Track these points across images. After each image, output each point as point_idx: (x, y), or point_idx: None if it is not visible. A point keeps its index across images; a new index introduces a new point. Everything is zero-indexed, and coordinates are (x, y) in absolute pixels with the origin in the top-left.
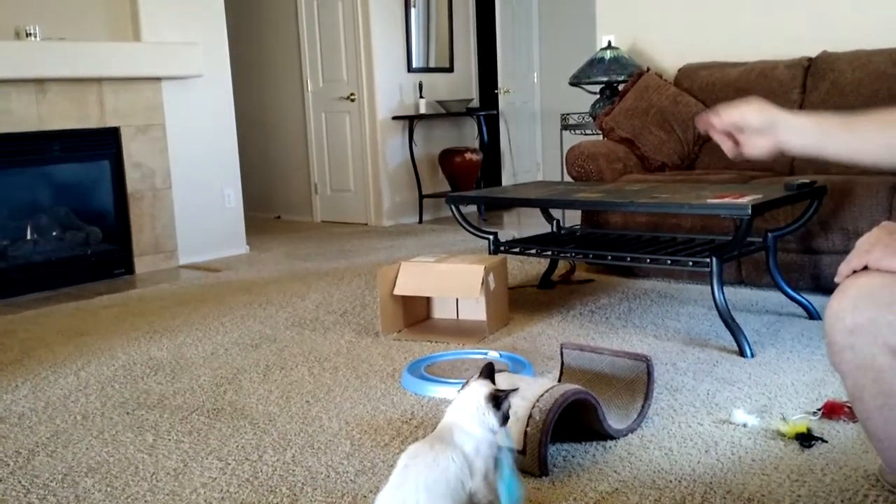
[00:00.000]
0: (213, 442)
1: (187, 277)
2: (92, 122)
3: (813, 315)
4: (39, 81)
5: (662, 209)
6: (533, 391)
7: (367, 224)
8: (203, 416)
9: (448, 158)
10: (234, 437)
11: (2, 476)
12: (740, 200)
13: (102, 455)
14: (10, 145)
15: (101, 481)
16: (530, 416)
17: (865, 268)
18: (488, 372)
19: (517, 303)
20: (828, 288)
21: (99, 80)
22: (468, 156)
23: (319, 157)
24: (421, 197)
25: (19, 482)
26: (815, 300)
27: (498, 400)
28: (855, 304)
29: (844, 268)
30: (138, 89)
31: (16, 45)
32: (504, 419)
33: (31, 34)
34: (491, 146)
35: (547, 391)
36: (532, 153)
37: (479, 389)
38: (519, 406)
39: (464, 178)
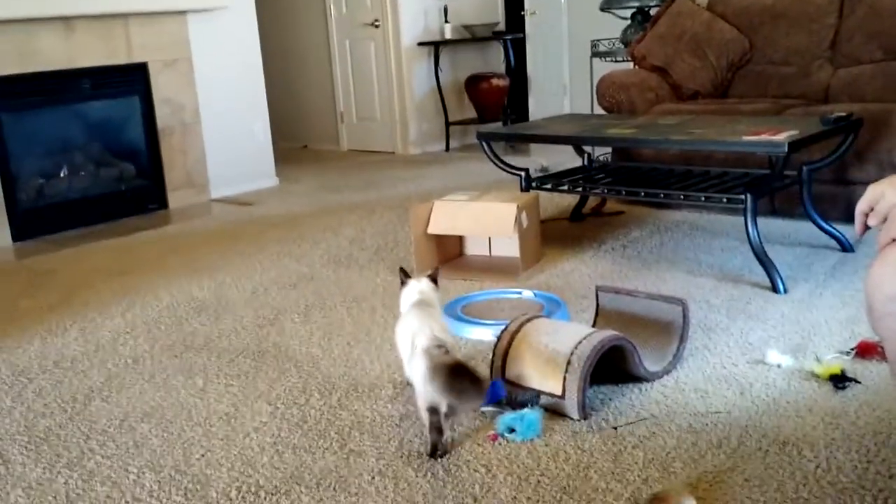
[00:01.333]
0: (260, 385)
1: (220, 212)
2: (120, 59)
3: (846, 247)
4: (66, 19)
5: (697, 147)
6: (571, 337)
7: (393, 153)
8: (249, 359)
9: (474, 84)
10: (280, 381)
11: (62, 422)
12: (776, 137)
13: (156, 399)
14: (41, 84)
15: (156, 426)
16: (569, 363)
17: None
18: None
19: (549, 237)
20: None
21: (125, 16)
22: (495, 81)
23: (345, 86)
24: (447, 124)
25: (78, 428)
26: (847, 231)
27: (435, 279)
28: (895, 271)
29: (884, 236)
30: (164, 23)
31: None
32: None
33: None
34: (518, 70)
35: (585, 338)
36: (559, 76)
37: (423, 280)
38: (559, 352)
39: (491, 105)
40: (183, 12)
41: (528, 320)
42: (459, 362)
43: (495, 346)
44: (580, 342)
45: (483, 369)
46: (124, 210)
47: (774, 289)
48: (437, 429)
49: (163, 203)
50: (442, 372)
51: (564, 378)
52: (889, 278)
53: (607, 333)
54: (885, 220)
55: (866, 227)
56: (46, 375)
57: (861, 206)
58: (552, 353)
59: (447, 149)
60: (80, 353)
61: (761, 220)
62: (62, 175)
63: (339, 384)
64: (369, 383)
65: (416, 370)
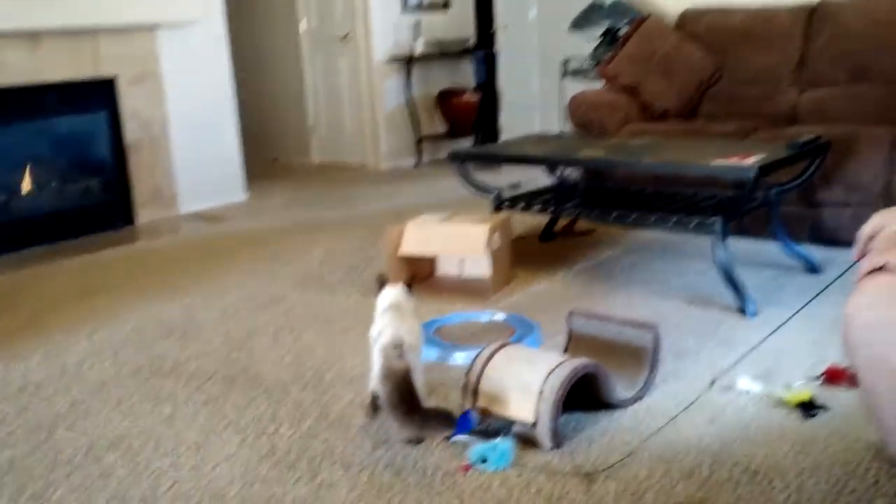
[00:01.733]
0: (229, 413)
1: (189, 228)
2: (87, 73)
3: (814, 269)
4: (33, 33)
5: (668, 170)
6: (543, 365)
7: (364, 166)
8: (218, 385)
9: (446, 100)
10: (249, 408)
11: (26, 451)
12: (745, 162)
13: (122, 427)
14: (7, 98)
15: (123, 456)
16: (541, 392)
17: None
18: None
19: (520, 256)
20: (828, 239)
21: (93, 31)
22: (466, 97)
23: (315, 99)
24: (419, 139)
25: (43, 458)
26: (815, 252)
27: (409, 286)
28: (873, 303)
29: (866, 264)
30: (133, 38)
31: None
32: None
33: None
34: (489, 85)
35: (557, 366)
36: (530, 92)
37: (398, 287)
38: (531, 380)
39: (462, 120)
40: (152, 26)
41: (501, 347)
42: (407, 377)
43: (468, 372)
44: (552, 371)
45: (456, 395)
46: (91, 226)
47: (744, 312)
48: (374, 409)
49: (130, 219)
50: (390, 380)
51: (537, 407)
52: (866, 308)
53: (579, 362)
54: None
55: (864, 255)
56: (10, 402)
57: (864, 231)
58: (525, 381)
59: (418, 163)
60: (45, 378)
61: (730, 240)
62: (27, 191)
63: (309, 411)
64: (340, 410)
65: (375, 362)
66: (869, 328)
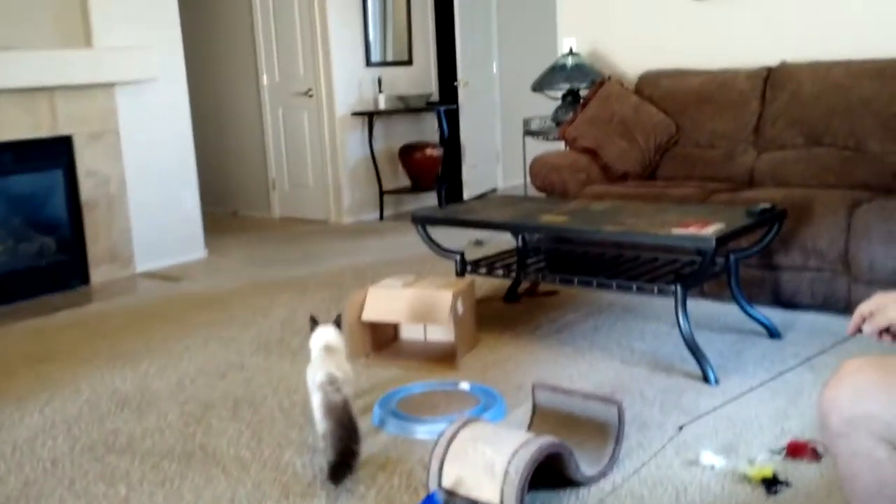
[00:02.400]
0: (187, 494)
1: (145, 288)
2: (44, 131)
3: (773, 334)
4: None
5: (629, 238)
6: (509, 445)
7: (327, 221)
8: (174, 463)
9: (408, 154)
10: (207, 488)
11: None
12: (704, 232)
13: None
14: None
15: None
16: (506, 472)
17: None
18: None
19: (484, 318)
20: (787, 303)
21: (50, 89)
22: (428, 151)
23: (277, 153)
24: (381, 193)
25: None
26: (774, 315)
27: (339, 324)
28: (854, 395)
29: (868, 328)
30: (91, 96)
31: None
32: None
33: None
34: (451, 138)
35: (522, 446)
36: (492, 145)
37: (329, 327)
38: (496, 461)
39: (424, 174)
40: (111, 85)
41: (464, 425)
42: (346, 407)
43: (432, 450)
44: (517, 450)
45: (420, 473)
46: (45, 286)
47: (706, 379)
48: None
49: (85, 278)
50: (333, 415)
51: (502, 489)
52: (847, 401)
53: (544, 441)
54: (885, 330)
55: (859, 330)
56: None
57: (862, 309)
58: (489, 461)
59: (381, 217)
60: None
61: (691, 303)
62: None
63: (269, 492)
64: (301, 491)
65: (314, 401)
66: (849, 422)
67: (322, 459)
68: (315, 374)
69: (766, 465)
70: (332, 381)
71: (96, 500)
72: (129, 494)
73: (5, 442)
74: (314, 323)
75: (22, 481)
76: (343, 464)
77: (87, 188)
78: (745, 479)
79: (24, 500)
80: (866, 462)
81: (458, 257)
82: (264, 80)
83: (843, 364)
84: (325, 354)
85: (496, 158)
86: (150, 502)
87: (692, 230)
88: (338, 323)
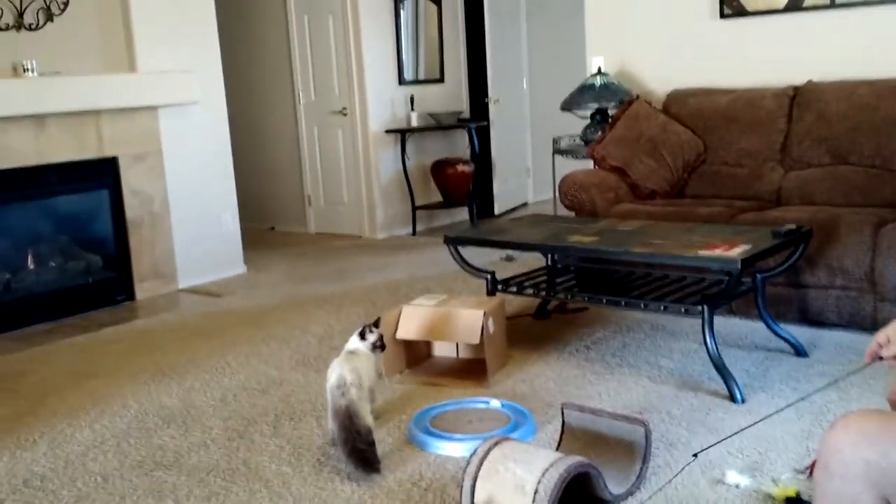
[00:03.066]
0: None
1: (188, 304)
2: (90, 153)
3: (800, 352)
4: (37, 117)
5: (656, 260)
6: (539, 464)
7: (360, 236)
8: (219, 478)
9: (440, 170)
10: (251, 503)
11: None
12: (730, 253)
13: None
14: (11, 180)
15: None
16: (536, 492)
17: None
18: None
19: (514, 335)
20: (814, 321)
21: (96, 112)
22: (460, 167)
23: (312, 170)
24: (414, 209)
25: None
26: (801, 333)
27: (363, 334)
28: (856, 441)
29: (886, 353)
30: (135, 118)
31: (13, 83)
32: (373, 347)
33: (27, 70)
34: (482, 155)
35: (551, 465)
36: (523, 161)
37: (356, 337)
38: (526, 480)
39: (456, 190)
40: (154, 107)
41: (496, 443)
42: (349, 411)
43: (465, 469)
44: (547, 469)
45: (453, 491)
46: (92, 303)
47: (733, 398)
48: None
49: (130, 294)
50: (337, 418)
51: None
52: (849, 446)
53: (573, 461)
54: None
55: (878, 357)
56: (17, 496)
57: (879, 337)
58: (520, 480)
59: (414, 232)
60: (50, 471)
61: (719, 320)
62: (29, 269)
63: None
64: None
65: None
66: (847, 465)
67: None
68: (328, 378)
69: (790, 484)
70: (339, 385)
71: None
72: None
73: (58, 457)
74: (362, 332)
75: (75, 496)
76: (359, 464)
77: (131, 207)
78: (769, 498)
79: None
80: None
81: (488, 276)
82: (301, 99)
83: (849, 412)
84: (344, 357)
85: (527, 173)
86: None
87: (718, 252)
88: (376, 324)
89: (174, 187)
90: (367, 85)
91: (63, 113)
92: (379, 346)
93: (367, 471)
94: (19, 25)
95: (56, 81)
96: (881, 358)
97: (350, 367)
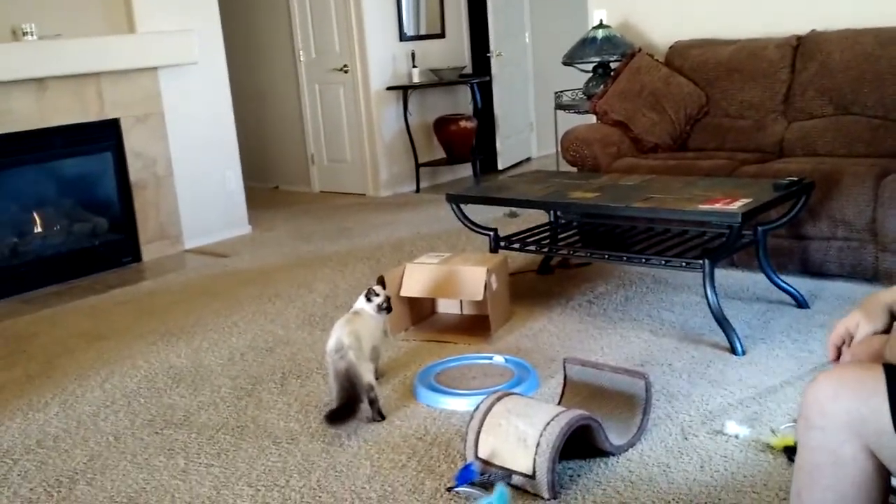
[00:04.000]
0: (241, 465)
1: (194, 265)
2: (92, 115)
3: (801, 303)
4: (39, 80)
5: (656, 215)
6: (540, 418)
7: (364, 194)
8: (228, 436)
9: (443, 126)
10: (260, 459)
11: None
12: (730, 207)
13: (139, 482)
14: (14, 144)
15: None
16: (538, 444)
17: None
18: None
19: (518, 292)
20: (815, 272)
21: (97, 74)
22: (463, 123)
23: (315, 129)
24: (417, 166)
25: None
26: (803, 284)
27: (368, 296)
28: (837, 390)
29: (846, 357)
30: (136, 80)
31: (13, 46)
32: (378, 308)
33: (27, 33)
34: (485, 110)
35: (553, 418)
36: (526, 115)
37: (362, 298)
38: (528, 433)
39: (459, 145)
40: (155, 68)
41: (499, 398)
42: (348, 373)
43: (469, 423)
44: (549, 423)
45: (458, 444)
46: (99, 265)
47: (733, 350)
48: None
49: (137, 256)
50: (337, 381)
51: (534, 459)
52: (830, 396)
53: (574, 414)
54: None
55: (839, 356)
56: (31, 456)
57: (833, 340)
58: (523, 433)
59: (417, 189)
60: (62, 431)
61: (721, 273)
62: (36, 232)
63: (318, 462)
64: (347, 461)
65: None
66: (828, 415)
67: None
68: (329, 341)
69: (788, 434)
70: (338, 349)
71: (157, 472)
72: (187, 466)
73: (70, 417)
74: (368, 290)
75: (88, 455)
76: (342, 409)
77: (135, 169)
78: (768, 447)
79: (91, 473)
80: (831, 457)
81: (491, 234)
82: (301, 57)
83: (835, 368)
84: (345, 320)
85: (530, 128)
86: (208, 472)
87: (719, 205)
88: (381, 283)
89: (177, 148)
90: (367, 41)
91: (64, 76)
92: (385, 307)
93: (346, 419)
94: None
95: (56, 44)
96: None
97: (348, 331)
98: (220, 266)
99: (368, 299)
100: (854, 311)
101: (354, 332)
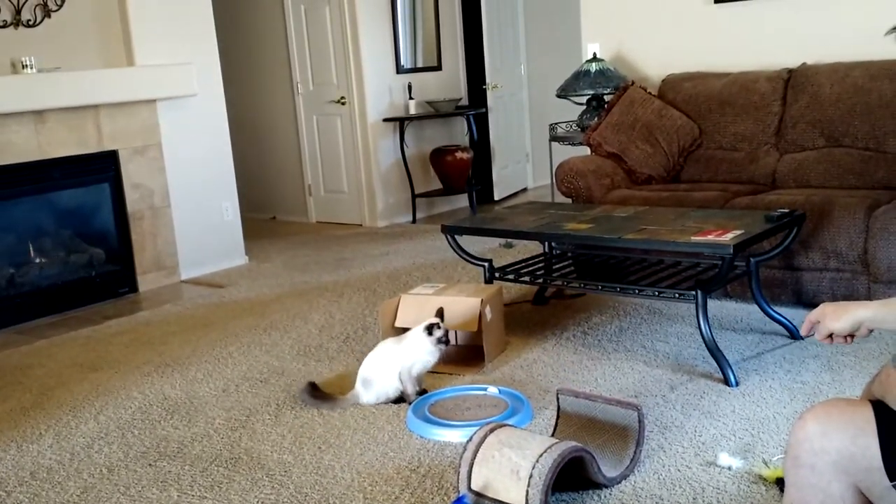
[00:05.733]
0: (234, 497)
1: (191, 296)
2: (90, 147)
3: (794, 334)
4: (38, 112)
5: (650, 246)
6: (533, 450)
7: (361, 225)
8: (222, 468)
9: (439, 158)
10: (253, 492)
11: None
12: (722, 239)
13: None
14: (12, 175)
15: None
16: (531, 476)
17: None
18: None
19: (513, 322)
20: (808, 302)
21: (96, 106)
22: (459, 154)
23: (312, 159)
24: (414, 196)
25: None
26: (796, 315)
27: (430, 329)
28: (824, 430)
29: (817, 336)
30: (134, 112)
31: (13, 79)
32: (437, 341)
33: (27, 66)
34: (481, 141)
35: (546, 450)
36: (522, 146)
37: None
38: (521, 465)
39: (455, 177)
40: (153, 100)
41: (493, 430)
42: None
43: (462, 455)
44: (542, 454)
45: (451, 476)
46: (95, 296)
47: (726, 381)
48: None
49: (133, 287)
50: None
51: (527, 491)
52: (818, 435)
53: (566, 446)
54: (828, 336)
55: (811, 334)
56: (24, 488)
57: (811, 315)
58: (515, 465)
59: (414, 220)
60: (56, 463)
61: (714, 304)
62: (33, 263)
63: (310, 495)
64: (340, 494)
65: None
66: (817, 454)
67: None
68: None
69: (780, 465)
70: (364, 382)
71: None
72: (180, 498)
73: (64, 449)
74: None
75: (81, 487)
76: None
77: (132, 200)
78: (761, 479)
79: None
80: (819, 495)
81: (486, 265)
82: (299, 89)
83: (816, 403)
84: (380, 347)
85: (526, 159)
86: None
87: (711, 237)
88: (440, 315)
89: (174, 179)
90: (364, 74)
91: (62, 108)
92: (444, 340)
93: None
94: (17, 22)
95: (55, 77)
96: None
97: (370, 365)
98: (217, 297)
99: (430, 332)
100: (831, 304)
101: (371, 364)
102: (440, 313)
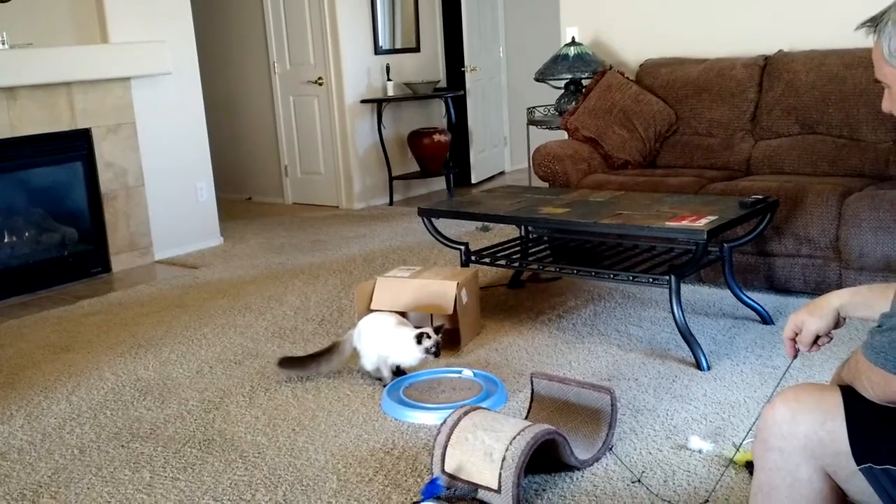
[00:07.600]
0: (207, 479)
1: (164, 277)
2: (63, 125)
3: (766, 319)
4: (9, 89)
5: (625, 231)
6: (507, 433)
7: (338, 207)
8: (195, 449)
9: (417, 140)
10: (226, 473)
11: None
12: (696, 224)
13: (104, 496)
14: None
15: None
16: (504, 458)
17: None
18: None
19: (488, 305)
20: (780, 288)
21: (68, 84)
22: (436, 137)
23: (289, 140)
24: (391, 178)
25: None
26: (768, 300)
27: (419, 338)
28: (794, 414)
29: (803, 349)
30: (108, 90)
31: None
32: (426, 350)
33: None
34: (458, 124)
35: (519, 433)
36: (500, 129)
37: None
38: (494, 448)
39: (433, 159)
40: (127, 79)
41: (466, 413)
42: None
43: (436, 437)
44: (515, 437)
45: (425, 458)
46: (68, 275)
47: (699, 365)
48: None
49: (106, 267)
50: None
51: (500, 473)
52: (788, 419)
53: (540, 429)
54: (813, 344)
55: (797, 351)
56: None
57: (786, 334)
58: (489, 447)
59: (391, 202)
60: (27, 444)
61: (687, 288)
62: (4, 242)
63: (284, 477)
64: (314, 475)
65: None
66: (785, 438)
67: None
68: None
69: (750, 449)
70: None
71: (122, 485)
72: (152, 480)
73: (35, 430)
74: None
75: (52, 468)
76: (297, 360)
77: (106, 179)
78: (731, 462)
79: (55, 486)
80: (787, 479)
81: (462, 248)
82: (276, 69)
83: (787, 389)
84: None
85: (504, 142)
86: (173, 487)
87: (686, 222)
88: (437, 331)
89: (149, 159)
90: (342, 54)
91: (35, 85)
92: (433, 352)
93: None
94: None
95: (27, 53)
96: (798, 351)
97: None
98: (191, 278)
99: (419, 341)
100: (803, 308)
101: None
102: (438, 329)
